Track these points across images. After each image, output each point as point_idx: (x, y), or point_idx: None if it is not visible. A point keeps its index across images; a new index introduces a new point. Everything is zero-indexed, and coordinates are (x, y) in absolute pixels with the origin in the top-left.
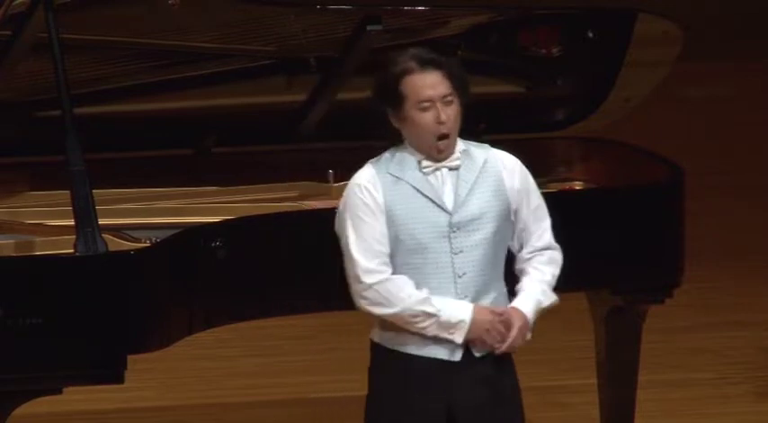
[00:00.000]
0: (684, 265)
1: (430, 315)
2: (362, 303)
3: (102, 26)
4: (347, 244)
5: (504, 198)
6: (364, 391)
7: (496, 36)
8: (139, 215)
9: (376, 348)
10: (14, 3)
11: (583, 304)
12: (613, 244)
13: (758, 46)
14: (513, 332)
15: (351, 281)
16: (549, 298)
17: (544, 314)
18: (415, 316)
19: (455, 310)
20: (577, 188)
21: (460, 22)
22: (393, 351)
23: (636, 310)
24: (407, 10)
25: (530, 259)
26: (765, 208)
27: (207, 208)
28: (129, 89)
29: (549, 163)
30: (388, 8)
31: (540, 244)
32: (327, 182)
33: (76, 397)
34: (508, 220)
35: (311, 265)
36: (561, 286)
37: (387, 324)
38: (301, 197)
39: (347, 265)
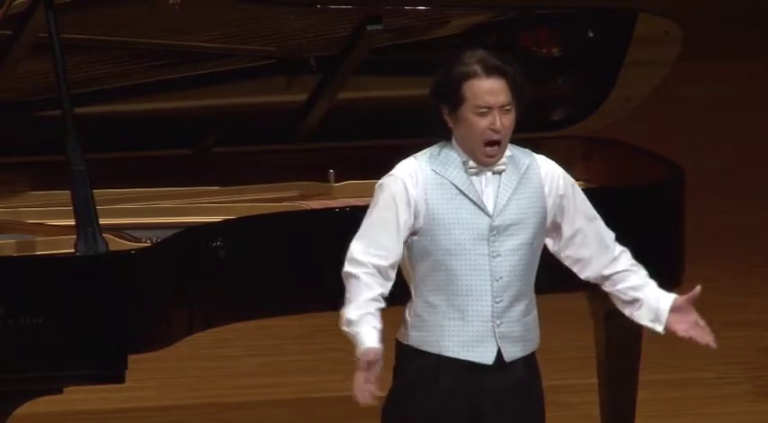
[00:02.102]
0: (684, 265)
1: (349, 327)
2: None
3: (103, 26)
4: (364, 222)
5: (542, 205)
6: None
7: (497, 36)
8: (140, 215)
9: (403, 349)
10: (15, 2)
11: (583, 304)
12: None
13: (758, 46)
14: (699, 321)
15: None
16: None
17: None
18: (342, 318)
19: (363, 339)
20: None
21: (461, 22)
22: (423, 352)
23: None
24: (407, 9)
25: (620, 259)
26: (765, 208)
27: (207, 208)
28: (129, 89)
29: None
30: (389, 8)
31: (612, 236)
32: (328, 182)
33: (76, 397)
34: (543, 228)
35: (311, 265)
36: (562, 286)
37: (417, 324)
38: (301, 197)
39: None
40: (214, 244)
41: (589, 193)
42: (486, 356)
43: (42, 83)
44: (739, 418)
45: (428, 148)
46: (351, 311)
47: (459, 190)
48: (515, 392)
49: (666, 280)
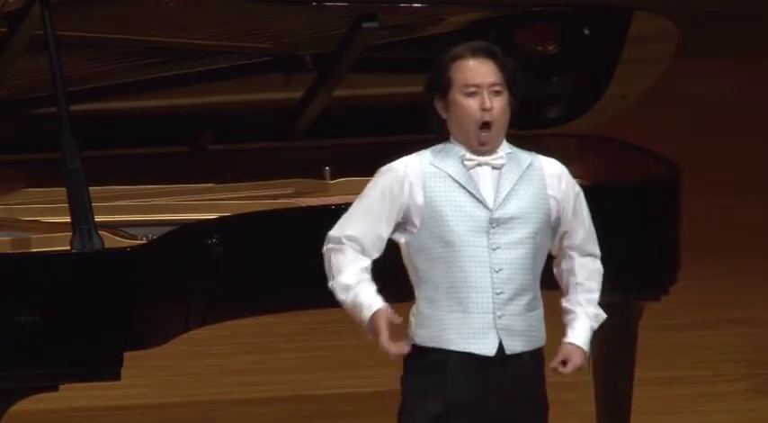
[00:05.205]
0: (681, 262)
1: (347, 292)
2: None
3: (99, 23)
4: (352, 206)
5: (545, 203)
6: (359, 388)
7: (493, 33)
8: (136, 212)
9: (410, 349)
10: (10, 0)
11: None
12: (610, 242)
13: (758, 45)
14: (569, 368)
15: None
16: (599, 319)
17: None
18: (335, 290)
19: (368, 301)
20: None
21: (456, 19)
22: (428, 349)
23: (632, 307)
24: (403, 7)
25: (573, 260)
26: (765, 207)
27: (203, 205)
28: (125, 86)
29: None
30: (384, 5)
31: (580, 244)
32: (324, 179)
33: (72, 394)
34: (548, 224)
35: (307, 263)
36: (557, 283)
37: (421, 322)
38: (297, 194)
39: None
40: (210, 241)
41: (585, 190)
42: (487, 348)
43: (39, 81)
44: (735, 416)
45: (432, 147)
46: (346, 278)
47: (458, 182)
48: (520, 386)
49: (663, 277)
